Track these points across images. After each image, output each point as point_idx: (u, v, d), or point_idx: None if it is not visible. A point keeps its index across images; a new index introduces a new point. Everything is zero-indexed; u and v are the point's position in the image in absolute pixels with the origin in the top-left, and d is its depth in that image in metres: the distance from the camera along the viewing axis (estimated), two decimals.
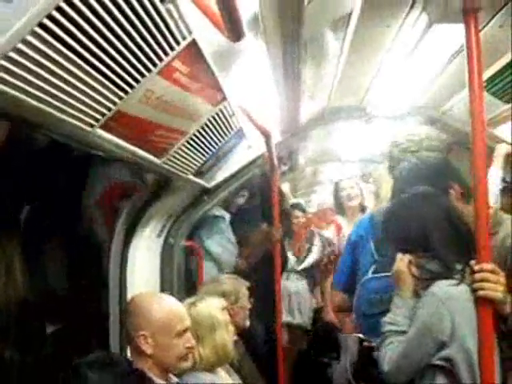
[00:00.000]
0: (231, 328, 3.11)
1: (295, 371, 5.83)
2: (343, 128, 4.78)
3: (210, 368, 2.99)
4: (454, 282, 2.41)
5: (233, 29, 1.58)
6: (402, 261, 2.62)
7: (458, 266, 2.46)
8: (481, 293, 2.22)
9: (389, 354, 2.52)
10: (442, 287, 2.43)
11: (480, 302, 2.24)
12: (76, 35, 1.50)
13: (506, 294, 2.27)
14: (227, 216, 4.89)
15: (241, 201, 5.37)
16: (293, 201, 6.97)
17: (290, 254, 6.27)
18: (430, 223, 2.55)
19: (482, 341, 2.22)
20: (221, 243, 4.77)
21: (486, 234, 2.20)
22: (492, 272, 2.22)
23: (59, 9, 1.35)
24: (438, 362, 2.40)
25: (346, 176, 6.31)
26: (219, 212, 4.86)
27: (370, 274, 3.08)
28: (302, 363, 6.06)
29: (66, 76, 1.62)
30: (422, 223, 2.56)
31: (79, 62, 1.61)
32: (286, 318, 6.13)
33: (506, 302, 2.29)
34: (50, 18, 1.36)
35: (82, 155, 3.56)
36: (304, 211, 6.68)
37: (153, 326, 2.60)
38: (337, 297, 3.64)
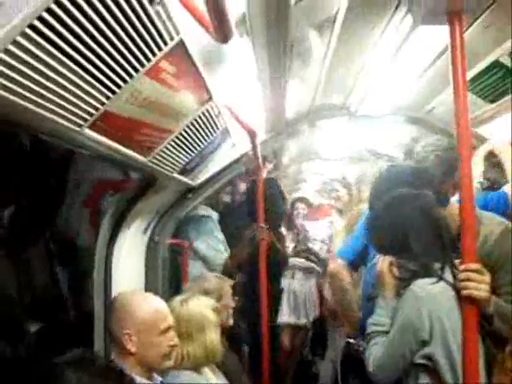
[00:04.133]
0: (219, 329, 3.12)
1: (281, 368, 5.86)
2: (327, 127, 4.80)
3: (197, 367, 3.00)
4: (432, 280, 2.44)
5: (221, 30, 1.59)
6: (384, 262, 2.65)
7: (437, 265, 2.48)
8: (465, 292, 2.25)
9: (373, 354, 2.56)
10: (420, 286, 2.46)
11: (464, 301, 2.27)
12: (65, 35, 1.50)
13: (489, 294, 2.30)
14: (215, 215, 4.89)
15: (227, 198, 5.38)
16: (297, 195, 7.07)
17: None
18: (409, 224, 2.56)
19: (466, 340, 2.25)
20: (209, 243, 4.77)
21: (472, 234, 2.23)
22: (477, 272, 2.25)
23: (49, 10, 1.36)
24: (421, 361, 2.43)
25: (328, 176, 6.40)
26: (207, 212, 4.87)
27: (375, 260, 3.09)
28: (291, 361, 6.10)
29: (54, 76, 1.62)
30: (401, 224, 2.58)
31: (67, 62, 1.61)
32: (289, 318, 6.15)
33: (490, 301, 2.32)
34: (41, 19, 1.36)
35: (67, 154, 3.57)
36: (310, 205, 6.78)
37: (137, 324, 2.62)
38: (337, 262, 3.60)
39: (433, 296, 2.41)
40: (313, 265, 6.25)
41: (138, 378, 2.58)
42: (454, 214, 2.81)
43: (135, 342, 2.59)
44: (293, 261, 6.25)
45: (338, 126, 4.66)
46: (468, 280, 2.24)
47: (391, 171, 2.99)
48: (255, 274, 4.49)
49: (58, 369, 1.92)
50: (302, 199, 7.01)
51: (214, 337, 3.02)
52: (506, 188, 3.30)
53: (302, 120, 4.24)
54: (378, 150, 5.59)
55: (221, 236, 4.84)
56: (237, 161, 4.18)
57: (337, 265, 3.58)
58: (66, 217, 4.08)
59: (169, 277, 4.40)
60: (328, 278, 3.88)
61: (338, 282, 3.55)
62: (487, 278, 2.28)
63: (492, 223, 2.73)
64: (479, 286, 2.24)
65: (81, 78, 1.73)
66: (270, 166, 5.99)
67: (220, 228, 4.90)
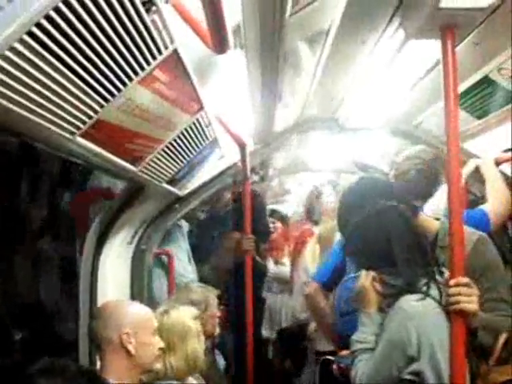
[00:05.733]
0: (202, 337, 3.11)
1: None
2: (315, 139, 4.82)
3: (180, 377, 2.99)
4: (419, 296, 2.41)
5: (219, 41, 1.60)
6: (366, 277, 2.63)
7: (423, 280, 2.47)
8: (457, 306, 2.24)
9: (359, 371, 2.53)
10: (408, 302, 2.42)
11: (454, 315, 2.27)
12: (61, 42, 1.50)
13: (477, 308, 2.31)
14: (185, 225, 4.88)
15: (201, 216, 5.38)
16: (281, 206, 6.96)
17: (270, 262, 6.27)
18: (392, 238, 2.53)
19: (455, 355, 2.25)
20: (176, 254, 4.76)
21: (460, 248, 2.24)
22: (467, 286, 2.26)
23: (48, 17, 1.35)
24: (408, 377, 2.41)
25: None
26: (179, 222, 4.86)
27: (352, 274, 3.09)
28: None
29: (49, 83, 1.62)
30: (384, 238, 2.54)
31: (63, 69, 1.61)
32: (269, 332, 6.11)
33: (477, 314, 2.33)
34: (39, 26, 1.36)
35: (57, 164, 3.55)
36: (283, 219, 6.68)
37: (134, 323, 2.65)
38: (312, 285, 3.65)
39: (420, 312, 2.40)
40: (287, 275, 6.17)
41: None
42: (428, 226, 2.85)
43: (133, 342, 2.60)
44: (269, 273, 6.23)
45: (325, 138, 4.68)
46: (460, 294, 2.25)
47: (362, 184, 2.96)
48: (237, 284, 4.48)
49: (30, 378, 1.91)
50: (276, 214, 6.87)
51: (195, 346, 3.02)
52: (485, 207, 3.32)
53: (290, 131, 4.25)
54: (365, 163, 5.61)
55: (186, 246, 4.83)
56: (224, 172, 4.18)
57: (312, 288, 3.63)
58: (52, 224, 4.06)
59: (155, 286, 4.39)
60: (305, 301, 3.95)
61: (314, 305, 3.64)
62: (475, 290, 2.29)
63: (466, 233, 2.74)
64: (470, 299, 2.25)
65: (75, 85, 1.73)
66: (255, 178, 5.98)
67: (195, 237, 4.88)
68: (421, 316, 2.39)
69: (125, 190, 3.49)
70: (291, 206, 7.83)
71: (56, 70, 1.59)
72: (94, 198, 4.00)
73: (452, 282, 2.26)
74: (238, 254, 4.66)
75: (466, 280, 2.26)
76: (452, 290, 2.26)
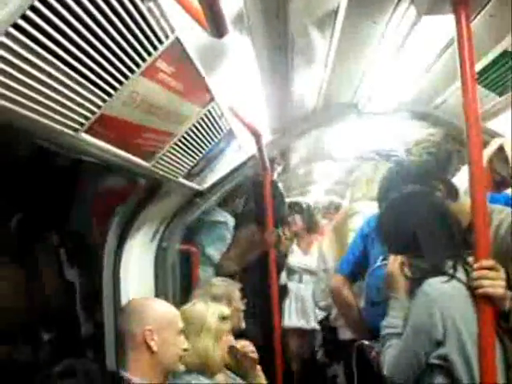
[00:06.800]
0: (226, 338, 3.06)
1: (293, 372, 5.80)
2: (335, 126, 4.74)
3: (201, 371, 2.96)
4: (444, 278, 2.38)
5: (215, 25, 1.54)
6: (394, 262, 2.61)
7: (449, 263, 2.42)
8: (480, 290, 2.19)
9: (387, 356, 2.52)
10: (432, 285, 2.40)
11: (479, 299, 2.21)
12: (55, 37, 1.46)
13: (506, 290, 2.24)
14: (231, 221, 4.86)
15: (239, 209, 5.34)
16: (307, 198, 6.91)
17: (299, 253, 6.22)
18: (419, 222, 2.53)
19: (483, 339, 2.20)
20: (221, 250, 4.74)
21: (484, 230, 2.18)
22: (491, 268, 2.19)
23: (33, 8, 1.30)
24: (435, 361, 2.37)
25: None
26: (222, 217, 4.85)
27: (379, 262, 3.07)
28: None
29: (47, 80, 1.57)
30: (411, 223, 2.54)
31: (60, 65, 1.56)
32: (298, 322, 6.08)
33: (506, 298, 2.25)
34: (25, 18, 1.31)
35: (72, 161, 3.53)
36: (303, 211, 6.63)
37: (158, 320, 2.67)
38: (336, 278, 3.66)
39: (445, 295, 2.36)
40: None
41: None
42: (465, 209, 2.76)
43: (156, 339, 2.61)
44: (297, 263, 6.19)
45: (345, 125, 4.60)
46: (483, 278, 2.18)
47: (397, 168, 2.96)
48: (259, 277, 4.45)
49: (53, 379, 1.90)
50: (298, 208, 6.79)
51: (208, 345, 2.96)
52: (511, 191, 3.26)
53: (308, 119, 4.17)
54: (387, 150, 5.53)
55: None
56: (244, 163, 4.12)
57: (337, 281, 3.65)
58: (74, 224, 4.05)
59: (180, 283, 4.37)
60: (330, 294, 3.95)
61: (341, 298, 3.65)
62: (502, 273, 2.23)
63: (503, 212, 2.68)
64: (494, 283, 2.19)
65: (74, 80, 1.68)
66: (279, 169, 5.93)
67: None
68: (444, 298, 2.36)
69: (142, 187, 3.45)
70: (316, 197, 7.75)
71: (52, 66, 1.54)
72: (114, 197, 3.98)
73: (476, 265, 2.21)
74: (256, 246, 4.60)
75: (490, 263, 2.20)
76: (475, 274, 2.21)
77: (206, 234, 4.81)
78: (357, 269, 3.50)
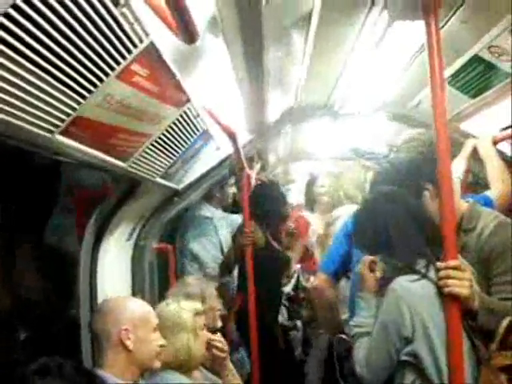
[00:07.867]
0: (202, 333, 3.08)
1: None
2: (312, 126, 4.78)
3: (181, 369, 2.98)
4: (414, 277, 2.41)
5: (186, 30, 1.56)
6: (364, 262, 2.63)
7: (422, 262, 2.45)
8: (446, 290, 2.25)
9: (358, 355, 2.54)
10: (400, 283, 2.43)
11: (447, 298, 2.26)
12: (29, 42, 1.47)
13: (472, 290, 2.28)
14: (218, 214, 4.89)
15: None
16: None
17: None
18: (391, 222, 2.55)
19: (450, 337, 2.25)
20: (205, 246, 4.77)
21: (452, 230, 2.22)
22: (457, 268, 2.24)
23: (7, 15, 1.32)
24: (406, 358, 2.40)
25: (321, 173, 6.27)
26: (209, 213, 4.87)
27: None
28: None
29: (21, 84, 1.59)
30: (384, 223, 2.56)
31: (34, 68, 1.58)
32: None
33: (473, 298, 2.30)
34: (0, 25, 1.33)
35: (49, 162, 3.53)
36: None
37: (133, 319, 2.64)
38: (320, 277, 3.59)
39: (413, 293, 2.39)
40: None
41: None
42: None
43: (132, 338, 2.60)
44: None
45: (322, 125, 4.63)
46: (449, 277, 2.23)
47: (387, 167, 2.94)
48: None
49: (27, 379, 1.90)
50: None
51: (187, 342, 2.97)
52: (490, 193, 3.28)
53: (285, 120, 4.21)
54: (364, 149, 5.57)
55: (216, 241, 4.83)
56: (221, 163, 4.14)
57: (320, 281, 3.58)
58: (53, 223, 4.05)
59: (158, 281, 4.38)
60: (312, 294, 3.94)
61: (323, 299, 3.58)
62: (468, 274, 2.27)
63: (488, 217, 2.71)
64: (460, 282, 2.23)
65: (49, 84, 1.70)
66: (257, 166, 5.96)
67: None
68: (413, 297, 2.38)
69: (119, 186, 3.47)
70: (294, 196, 7.77)
71: (27, 70, 1.56)
72: (92, 196, 3.98)
73: (441, 265, 2.26)
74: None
75: (455, 263, 2.25)
76: (441, 273, 2.26)
77: (192, 229, 4.85)
78: (342, 268, 3.46)
